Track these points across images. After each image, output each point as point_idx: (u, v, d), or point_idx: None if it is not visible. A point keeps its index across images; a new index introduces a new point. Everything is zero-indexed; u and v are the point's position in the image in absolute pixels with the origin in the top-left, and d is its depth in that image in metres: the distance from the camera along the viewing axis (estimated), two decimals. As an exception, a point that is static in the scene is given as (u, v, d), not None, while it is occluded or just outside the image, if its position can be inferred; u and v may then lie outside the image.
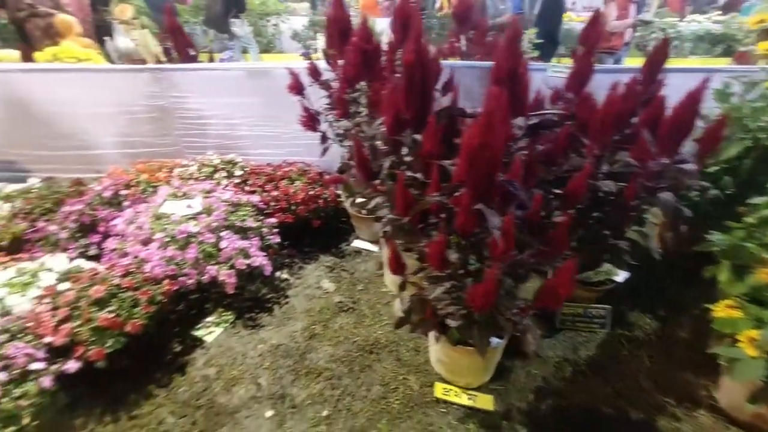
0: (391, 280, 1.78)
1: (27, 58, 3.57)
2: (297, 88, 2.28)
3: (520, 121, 1.24)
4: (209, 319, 1.88)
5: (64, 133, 2.84)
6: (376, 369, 1.64)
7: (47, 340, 1.39)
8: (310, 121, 2.19)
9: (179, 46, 2.91)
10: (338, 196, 2.49)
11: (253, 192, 2.31)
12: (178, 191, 2.10)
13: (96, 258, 1.97)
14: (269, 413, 1.47)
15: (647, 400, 1.51)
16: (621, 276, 1.79)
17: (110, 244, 1.89)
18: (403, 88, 1.29)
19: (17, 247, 2.20)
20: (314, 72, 2.25)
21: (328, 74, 2.29)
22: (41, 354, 1.35)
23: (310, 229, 2.35)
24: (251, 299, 2.01)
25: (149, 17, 5.71)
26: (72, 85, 2.72)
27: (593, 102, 1.49)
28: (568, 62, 2.78)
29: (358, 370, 1.63)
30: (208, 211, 1.97)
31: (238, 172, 2.45)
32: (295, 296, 2.05)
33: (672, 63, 1.49)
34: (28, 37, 4.78)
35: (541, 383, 1.58)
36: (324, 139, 2.44)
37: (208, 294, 1.95)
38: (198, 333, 1.80)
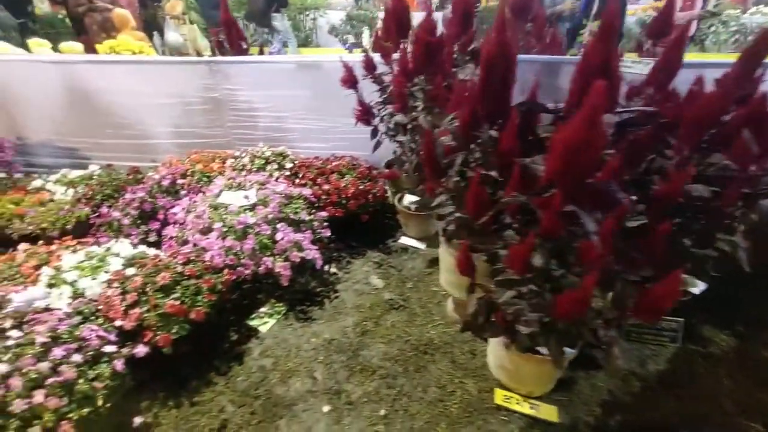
0: (446, 279, 1.73)
1: (88, 50, 3.72)
2: (351, 81, 2.26)
3: (608, 118, 1.15)
4: (262, 309, 1.90)
5: (123, 122, 2.94)
6: (431, 370, 1.60)
7: (118, 323, 1.43)
8: (365, 114, 2.16)
9: (232, 40, 2.94)
10: (386, 191, 2.46)
11: (303, 185, 2.31)
12: (234, 182, 2.13)
13: (155, 244, 2.03)
14: (326, 408, 1.46)
15: (728, 422, 1.40)
16: (698, 287, 1.66)
17: (170, 231, 1.94)
18: (480, 81, 1.23)
19: (81, 230, 2.30)
20: (369, 65, 2.22)
21: (380, 68, 2.26)
22: (112, 337, 1.39)
23: (358, 224, 2.33)
24: (301, 292, 2.01)
25: (197, 12, 5.85)
26: (132, 77, 2.80)
27: (680, 98, 1.39)
28: (632, 56, 2.62)
29: (413, 371, 1.60)
30: (263, 202, 1.98)
31: (288, 165, 2.46)
32: (344, 291, 2.04)
33: (735, 58, 1.37)
34: (86, 30, 5.02)
35: (607, 397, 1.49)
36: (375, 133, 2.41)
37: (260, 285, 1.96)
38: (252, 323, 1.82)
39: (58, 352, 1.26)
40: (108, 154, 3.04)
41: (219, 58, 2.66)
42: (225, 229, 1.83)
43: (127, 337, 1.44)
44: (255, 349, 1.70)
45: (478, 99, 1.25)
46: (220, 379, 1.57)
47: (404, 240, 2.42)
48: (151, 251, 1.82)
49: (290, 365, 1.63)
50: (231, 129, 2.89)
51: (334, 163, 2.43)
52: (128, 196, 2.14)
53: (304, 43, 8.08)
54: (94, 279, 1.57)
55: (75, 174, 2.66)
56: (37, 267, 1.73)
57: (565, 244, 1.04)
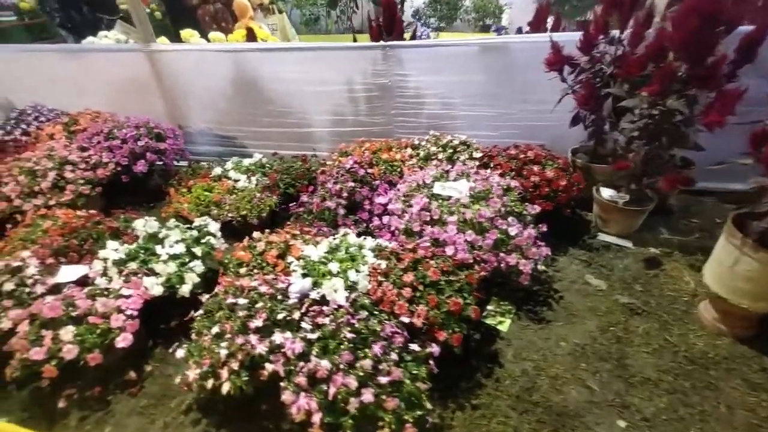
0: (732, 287, 1.49)
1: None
2: (559, 62, 2.08)
3: None
4: (490, 307, 1.80)
5: (284, 111, 2.94)
6: (724, 390, 1.42)
7: (404, 320, 1.37)
8: (590, 99, 1.97)
9: (392, 24, 2.83)
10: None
11: (501, 175, 2.17)
12: (443, 172, 2.03)
13: (365, 235, 1.98)
14: (622, 424, 1.34)
15: None
16: None
17: (392, 221, 1.87)
18: None
19: (272, 219, 2.33)
20: (588, 44, 2.02)
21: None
22: (406, 334, 1.34)
23: (557, 218, 2.16)
24: (520, 290, 1.88)
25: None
26: (298, 65, 2.77)
27: None
28: None
29: (702, 387, 1.43)
30: (486, 195, 1.87)
31: (476, 155, 2.33)
32: (565, 291, 1.89)
33: None
34: (198, 22, 5.18)
35: None
36: (577, 120, 2.23)
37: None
38: (488, 322, 1.72)
39: (376, 349, 1.21)
40: (265, 143, 3.07)
41: (395, 42, 2.56)
42: (460, 223, 1.73)
43: (412, 335, 1.38)
44: (506, 351, 1.60)
45: None
46: (488, 382, 1.48)
47: (604, 237, 2.23)
48: (384, 243, 1.76)
49: (554, 371, 1.51)
50: (394, 117, 2.80)
51: (528, 153, 2.27)
52: (332, 185, 2.11)
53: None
54: (358, 272, 1.53)
55: (247, 162, 2.70)
56: (279, 256, 1.73)
57: None
